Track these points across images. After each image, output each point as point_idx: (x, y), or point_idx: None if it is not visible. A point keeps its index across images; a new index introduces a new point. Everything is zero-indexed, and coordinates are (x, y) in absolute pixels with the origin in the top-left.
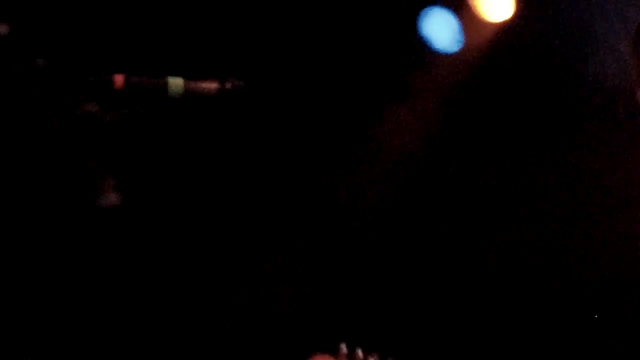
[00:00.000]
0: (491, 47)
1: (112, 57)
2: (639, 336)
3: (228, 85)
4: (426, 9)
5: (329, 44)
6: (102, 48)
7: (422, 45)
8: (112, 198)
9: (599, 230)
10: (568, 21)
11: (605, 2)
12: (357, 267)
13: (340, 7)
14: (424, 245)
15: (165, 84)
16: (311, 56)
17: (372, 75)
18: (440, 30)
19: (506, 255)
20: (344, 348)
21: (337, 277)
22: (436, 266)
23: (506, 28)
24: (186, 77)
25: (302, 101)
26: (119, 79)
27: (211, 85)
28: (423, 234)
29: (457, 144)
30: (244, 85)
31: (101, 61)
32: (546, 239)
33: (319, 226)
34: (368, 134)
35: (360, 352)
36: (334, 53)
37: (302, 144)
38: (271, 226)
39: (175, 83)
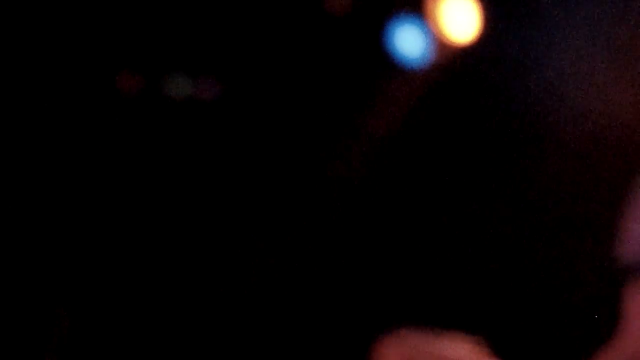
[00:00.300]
0: (455, 65)
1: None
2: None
3: (211, 88)
4: (394, 25)
5: (299, 53)
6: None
7: (388, 60)
8: None
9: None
10: (533, 40)
11: (570, 19)
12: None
13: (311, 19)
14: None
15: (167, 84)
16: (280, 65)
17: (337, 87)
18: (407, 46)
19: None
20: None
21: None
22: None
23: (471, 47)
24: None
25: (268, 109)
26: (124, 81)
27: (200, 86)
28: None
29: (419, 155)
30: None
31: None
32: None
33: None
34: (331, 144)
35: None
36: (303, 63)
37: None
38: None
39: (176, 83)
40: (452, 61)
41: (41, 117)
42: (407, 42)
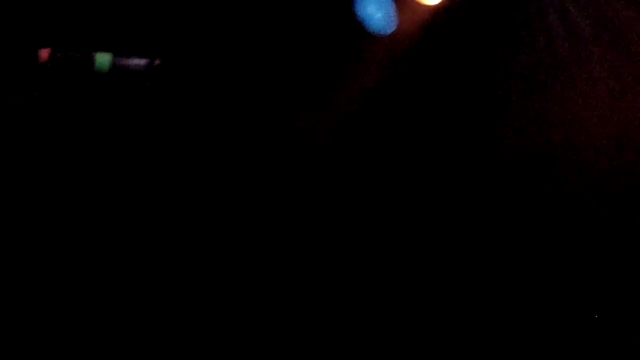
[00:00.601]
0: (424, 29)
1: (43, 33)
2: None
3: (157, 62)
4: None
5: (264, 28)
6: (33, 24)
7: (357, 27)
8: None
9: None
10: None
11: None
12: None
13: None
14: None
15: (92, 58)
16: (245, 39)
17: (306, 57)
18: (375, 12)
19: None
20: None
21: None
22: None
23: (439, 12)
24: (116, 53)
25: (234, 85)
26: (44, 53)
27: (140, 62)
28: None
29: (390, 122)
30: (174, 62)
31: (31, 36)
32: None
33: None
34: (300, 116)
35: None
36: (268, 37)
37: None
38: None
39: (102, 58)
40: (421, 24)
41: None
42: (377, 8)
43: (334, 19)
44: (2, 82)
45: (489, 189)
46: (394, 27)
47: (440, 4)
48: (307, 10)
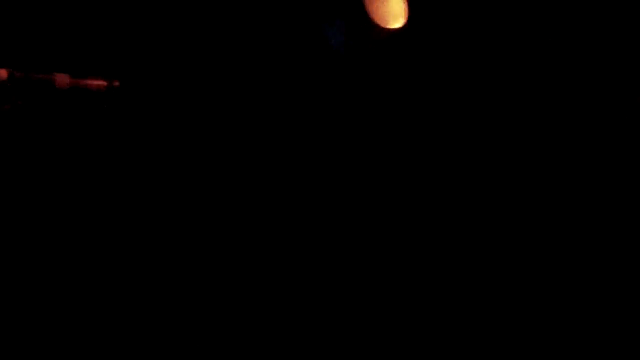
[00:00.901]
0: (385, 53)
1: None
2: None
3: (116, 84)
4: (324, 13)
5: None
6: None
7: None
8: None
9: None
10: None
11: None
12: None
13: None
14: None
15: (52, 78)
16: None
17: (270, 75)
18: (337, 33)
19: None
20: None
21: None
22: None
23: (400, 35)
24: (75, 74)
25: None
26: (2, 73)
27: (99, 83)
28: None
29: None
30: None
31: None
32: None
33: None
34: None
35: None
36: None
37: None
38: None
39: (61, 78)
40: (383, 47)
41: None
42: (339, 29)
43: (297, 40)
44: None
45: (489, 189)
46: (357, 47)
47: (402, 27)
48: (271, 30)
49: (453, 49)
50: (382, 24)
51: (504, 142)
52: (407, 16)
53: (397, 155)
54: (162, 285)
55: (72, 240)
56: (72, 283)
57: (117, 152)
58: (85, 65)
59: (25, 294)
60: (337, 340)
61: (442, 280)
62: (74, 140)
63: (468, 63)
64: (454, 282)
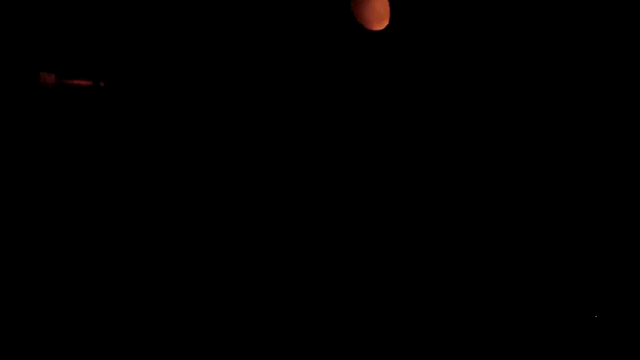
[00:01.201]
0: (368, 54)
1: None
2: None
3: (102, 84)
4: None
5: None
6: None
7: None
8: None
9: None
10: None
11: None
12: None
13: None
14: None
15: (37, 77)
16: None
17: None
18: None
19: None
20: None
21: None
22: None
23: (383, 37)
24: (61, 73)
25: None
26: None
27: (85, 82)
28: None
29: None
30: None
31: None
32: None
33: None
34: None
35: None
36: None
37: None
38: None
39: (47, 77)
40: (365, 49)
41: None
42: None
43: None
44: None
45: (489, 189)
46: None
47: (386, 28)
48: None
49: (438, 50)
50: (366, 26)
51: (495, 143)
52: (390, 17)
53: (390, 156)
54: (158, 286)
55: (61, 240)
56: (64, 284)
57: (103, 151)
58: (71, 65)
59: (19, 295)
60: (337, 341)
61: (442, 280)
62: (60, 140)
63: (454, 64)
64: (454, 282)
